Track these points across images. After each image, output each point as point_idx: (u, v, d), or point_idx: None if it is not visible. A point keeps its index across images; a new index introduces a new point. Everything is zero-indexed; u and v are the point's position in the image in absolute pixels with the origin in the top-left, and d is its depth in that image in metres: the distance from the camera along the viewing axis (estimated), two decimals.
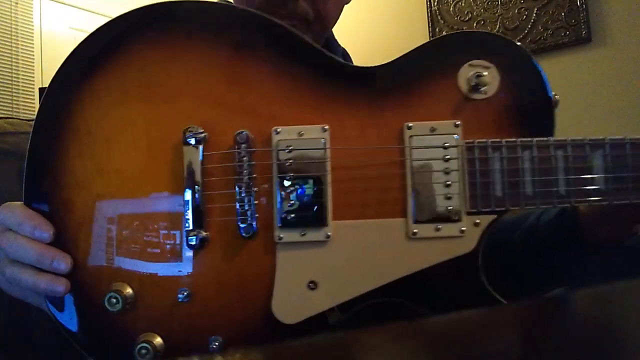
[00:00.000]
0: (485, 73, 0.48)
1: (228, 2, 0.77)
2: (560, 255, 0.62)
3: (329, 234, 0.47)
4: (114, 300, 0.46)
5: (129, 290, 0.47)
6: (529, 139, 0.47)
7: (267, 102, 0.49)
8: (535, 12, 2.28)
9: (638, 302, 0.30)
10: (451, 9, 2.54)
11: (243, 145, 0.47)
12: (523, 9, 2.31)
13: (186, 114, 0.48)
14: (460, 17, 2.51)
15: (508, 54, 0.49)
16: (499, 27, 2.37)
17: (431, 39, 2.56)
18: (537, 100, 0.49)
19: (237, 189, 0.48)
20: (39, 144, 0.49)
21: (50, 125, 0.49)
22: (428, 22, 2.61)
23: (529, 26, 2.28)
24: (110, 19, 0.50)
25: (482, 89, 0.48)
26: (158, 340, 0.47)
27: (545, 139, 0.47)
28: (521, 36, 2.30)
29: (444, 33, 2.54)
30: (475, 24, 2.46)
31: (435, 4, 2.59)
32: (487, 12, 2.42)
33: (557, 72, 2.23)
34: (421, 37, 2.62)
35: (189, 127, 0.47)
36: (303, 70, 0.49)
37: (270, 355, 0.23)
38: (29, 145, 0.49)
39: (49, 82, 0.50)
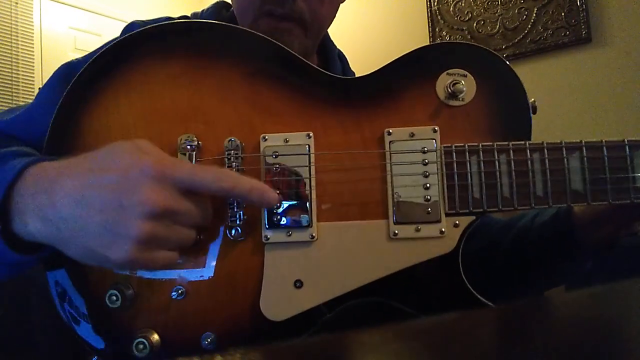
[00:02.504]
0: (462, 81, 0.50)
1: (226, 1, 0.77)
2: (554, 256, 0.62)
3: (314, 234, 0.49)
4: (114, 298, 0.49)
5: (128, 288, 0.50)
6: (505, 142, 0.49)
7: (257, 112, 0.52)
8: (535, 12, 2.28)
9: (637, 303, 0.30)
10: (451, 9, 2.54)
11: (233, 151, 0.50)
12: (523, 9, 2.31)
13: (183, 124, 0.52)
14: (460, 17, 2.51)
15: (485, 63, 0.51)
16: (499, 27, 2.38)
17: (430, 39, 2.57)
18: (515, 106, 0.51)
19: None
20: (50, 151, 0.53)
21: (60, 135, 0.53)
22: (428, 22, 2.61)
23: (529, 26, 2.29)
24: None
25: (460, 95, 0.50)
26: (155, 336, 0.49)
27: (521, 142, 0.49)
28: (521, 36, 2.30)
29: (444, 33, 2.54)
30: (475, 24, 2.46)
31: (435, 4, 2.59)
32: (487, 12, 2.42)
33: (557, 72, 2.23)
34: (421, 37, 2.63)
35: (183, 135, 0.51)
36: (291, 83, 0.53)
37: (270, 355, 0.24)
38: (43, 152, 0.52)
39: (63, 94, 0.53)
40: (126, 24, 0.71)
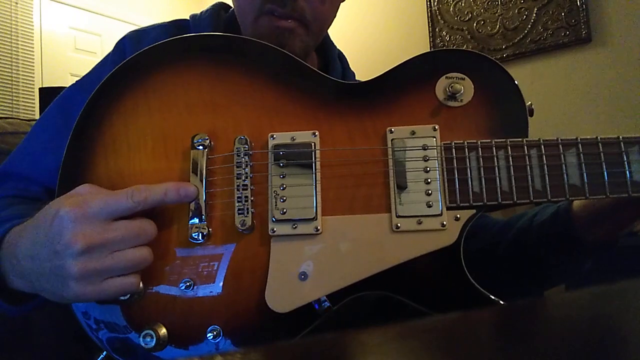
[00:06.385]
0: (460, 83, 0.53)
1: (225, 2, 0.77)
2: (554, 255, 0.63)
3: (318, 227, 0.51)
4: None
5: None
6: (502, 139, 0.51)
7: (266, 113, 0.55)
8: (535, 12, 2.28)
9: (637, 303, 0.30)
10: (451, 9, 2.54)
11: (242, 147, 0.53)
12: (523, 9, 2.31)
13: (196, 125, 0.55)
14: (460, 17, 2.51)
15: (482, 67, 0.54)
16: (499, 27, 2.38)
17: (430, 39, 2.57)
18: (511, 108, 0.53)
19: (236, 187, 0.52)
20: (72, 150, 0.56)
21: (82, 135, 0.56)
22: (428, 22, 2.61)
23: (529, 26, 2.29)
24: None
25: (458, 96, 0.53)
26: (163, 331, 0.50)
27: (518, 139, 0.51)
28: (521, 36, 2.30)
29: (444, 33, 2.54)
30: (475, 24, 2.46)
31: (435, 4, 2.59)
32: (487, 12, 2.42)
33: (557, 72, 2.23)
34: (421, 37, 2.63)
35: (196, 135, 0.54)
36: (297, 87, 0.56)
37: (270, 355, 0.24)
38: (65, 153, 0.56)
39: (87, 101, 0.57)
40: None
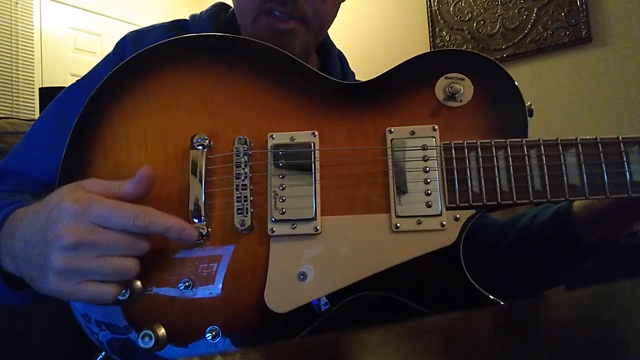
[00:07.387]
0: (459, 84, 0.53)
1: (225, 2, 0.77)
2: (554, 256, 0.63)
3: (318, 227, 0.51)
4: (123, 290, 0.49)
5: (136, 281, 0.50)
6: (502, 140, 0.51)
7: (266, 114, 0.55)
8: (535, 12, 2.28)
9: (637, 303, 0.30)
10: (451, 9, 2.54)
11: (242, 147, 0.53)
12: (523, 9, 2.31)
13: (196, 125, 0.55)
14: (460, 17, 2.51)
15: (482, 68, 0.54)
16: (499, 27, 2.37)
17: (430, 39, 2.57)
18: (511, 108, 0.52)
19: (235, 186, 0.52)
20: (71, 149, 0.56)
21: (82, 134, 0.56)
22: (428, 22, 2.61)
23: (529, 26, 2.28)
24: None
25: (457, 97, 0.53)
26: (162, 331, 0.50)
27: (518, 139, 0.51)
28: (521, 36, 2.30)
29: (444, 33, 2.54)
30: (475, 24, 2.46)
31: (435, 4, 2.59)
32: (487, 12, 2.42)
33: (557, 72, 2.23)
34: (421, 37, 2.63)
35: (196, 135, 0.54)
36: (299, 88, 0.56)
37: (270, 355, 0.24)
38: (64, 151, 0.56)
39: (87, 101, 0.57)
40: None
